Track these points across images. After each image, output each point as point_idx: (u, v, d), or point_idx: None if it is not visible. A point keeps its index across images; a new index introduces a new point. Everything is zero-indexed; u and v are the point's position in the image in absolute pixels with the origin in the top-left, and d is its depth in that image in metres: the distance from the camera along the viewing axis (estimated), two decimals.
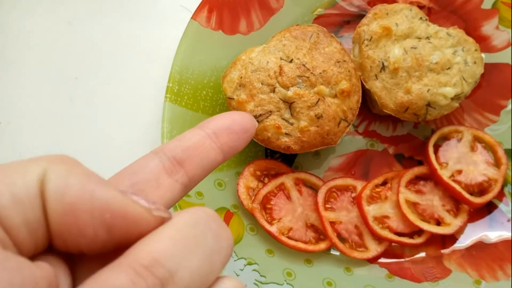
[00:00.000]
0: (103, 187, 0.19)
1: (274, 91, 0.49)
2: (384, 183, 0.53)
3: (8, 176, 0.19)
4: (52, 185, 0.19)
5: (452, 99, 0.51)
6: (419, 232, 0.51)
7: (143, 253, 0.18)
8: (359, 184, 0.53)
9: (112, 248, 0.20)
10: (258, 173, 0.53)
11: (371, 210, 0.51)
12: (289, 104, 0.48)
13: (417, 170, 0.53)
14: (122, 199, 0.19)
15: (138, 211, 0.20)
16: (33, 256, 0.20)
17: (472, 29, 0.56)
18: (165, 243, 0.19)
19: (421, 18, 0.53)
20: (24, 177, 0.19)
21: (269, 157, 0.55)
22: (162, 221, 0.20)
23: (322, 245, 0.50)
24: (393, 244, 0.51)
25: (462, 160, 0.53)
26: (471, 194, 0.51)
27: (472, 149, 0.54)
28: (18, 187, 0.18)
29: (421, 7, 0.57)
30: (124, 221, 0.19)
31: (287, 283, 0.48)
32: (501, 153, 0.53)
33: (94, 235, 0.19)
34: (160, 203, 0.21)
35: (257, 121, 0.48)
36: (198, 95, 0.54)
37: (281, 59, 0.49)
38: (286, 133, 0.48)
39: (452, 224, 0.51)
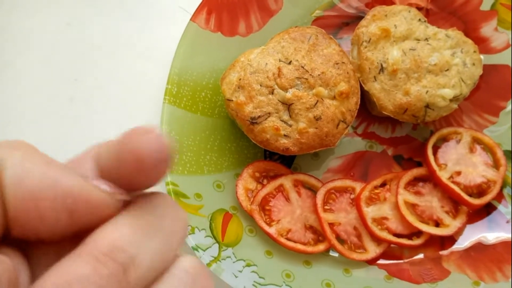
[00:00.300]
0: (65, 172, 0.19)
1: (272, 93, 0.49)
2: (383, 185, 0.53)
3: None
4: (11, 171, 0.18)
5: (451, 100, 0.51)
6: (418, 233, 0.51)
7: (104, 240, 0.18)
8: (358, 186, 0.53)
9: (72, 235, 0.20)
10: (257, 174, 0.53)
11: (370, 212, 0.51)
12: (288, 105, 0.48)
13: (416, 172, 0.53)
14: (85, 184, 0.19)
15: (101, 196, 0.19)
16: None
17: (471, 31, 0.56)
18: (125, 229, 0.19)
19: (419, 19, 0.53)
20: None
21: (268, 158, 0.55)
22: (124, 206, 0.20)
23: (321, 247, 0.50)
24: (392, 245, 0.51)
25: (461, 161, 0.53)
26: (470, 195, 0.52)
27: (471, 150, 0.54)
28: None
29: (419, 8, 0.57)
30: (86, 205, 0.19)
31: (286, 285, 0.48)
32: (500, 154, 0.53)
33: (55, 221, 0.19)
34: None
35: (256, 122, 0.49)
36: (197, 96, 0.54)
37: (279, 60, 0.50)
38: (284, 135, 0.48)
39: (451, 225, 0.51)
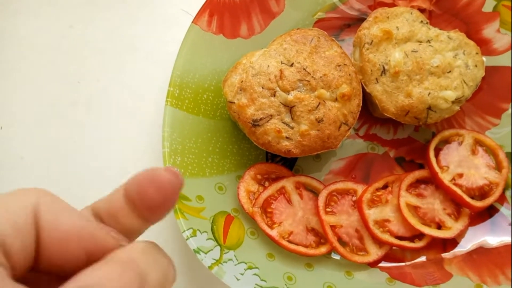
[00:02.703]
0: (87, 221, 0.24)
1: (274, 95, 0.49)
2: (385, 187, 0.53)
3: (8, 206, 0.22)
4: (47, 217, 0.22)
5: (453, 102, 0.51)
6: (420, 236, 0.51)
7: (123, 253, 0.22)
8: (359, 188, 0.53)
9: (84, 267, 0.23)
10: (259, 176, 0.53)
11: (372, 214, 0.51)
12: (290, 108, 0.48)
13: (418, 174, 0.53)
14: (102, 232, 0.24)
15: (112, 242, 0.24)
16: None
17: (473, 32, 0.56)
18: (137, 251, 0.23)
19: (421, 21, 0.53)
20: (21, 208, 0.22)
21: (270, 160, 0.55)
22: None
23: (323, 249, 0.50)
24: (394, 248, 0.51)
25: (463, 163, 0.53)
26: (472, 197, 0.51)
27: (473, 152, 0.54)
28: (18, 217, 0.22)
29: (422, 10, 0.57)
30: (101, 249, 0.23)
31: (288, 287, 0.48)
32: (502, 156, 0.53)
33: (77, 259, 0.23)
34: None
35: (258, 125, 0.49)
36: (199, 99, 0.54)
37: (281, 63, 0.50)
38: (286, 137, 0.48)
39: (453, 228, 0.51)
